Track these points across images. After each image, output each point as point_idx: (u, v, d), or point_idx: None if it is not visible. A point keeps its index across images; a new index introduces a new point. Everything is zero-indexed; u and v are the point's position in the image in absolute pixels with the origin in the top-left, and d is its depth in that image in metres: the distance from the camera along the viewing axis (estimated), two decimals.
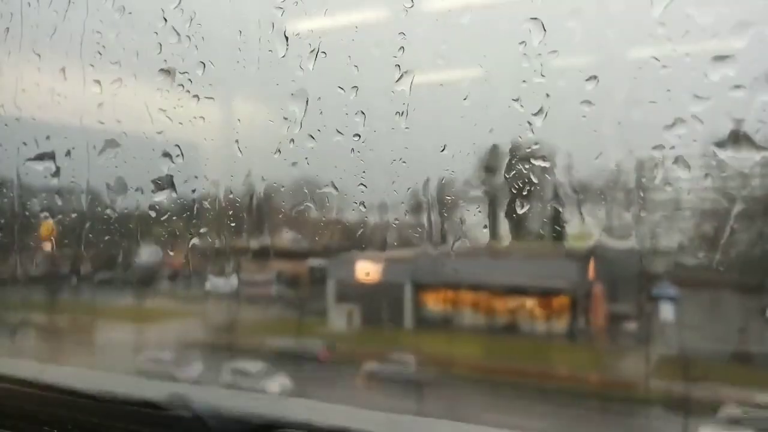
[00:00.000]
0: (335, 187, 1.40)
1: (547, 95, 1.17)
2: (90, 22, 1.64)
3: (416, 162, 1.31)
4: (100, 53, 1.61)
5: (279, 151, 1.43)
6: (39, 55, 1.74)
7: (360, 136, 1.33)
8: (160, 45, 1.51)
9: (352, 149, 1.35)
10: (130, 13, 1.57)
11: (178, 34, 1.49)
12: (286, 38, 1.36)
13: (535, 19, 1.15)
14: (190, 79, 1.49)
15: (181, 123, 1.54)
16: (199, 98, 1.51)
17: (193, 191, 1.58)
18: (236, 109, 1.50)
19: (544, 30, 1.15)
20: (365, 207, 1.40)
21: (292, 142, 1.41)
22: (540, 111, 1.18)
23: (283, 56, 1.37)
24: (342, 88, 1.33)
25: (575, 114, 1.15)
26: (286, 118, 1.40)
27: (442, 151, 1.28)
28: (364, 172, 1.35)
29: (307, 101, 1.37)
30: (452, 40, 1.23)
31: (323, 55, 1.34)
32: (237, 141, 1.50)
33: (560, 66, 1.16)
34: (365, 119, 1.32)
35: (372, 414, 1.38)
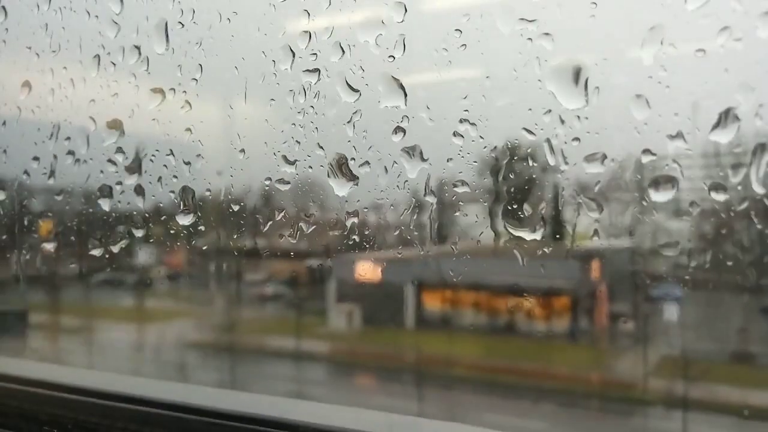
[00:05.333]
0: (335, 187, 1.40)
1: (548, 94, 1.17)
2: (89, 22, 1.64)
3: (416, 162, 1.31)
4: (99, 54, 1.61)
5: (279, 150, 1.43)
6: (38, 54, 1.75)
7: (360, 136, 1.33)
8: (158, 44, 1.51)
9: (353, 149, 1.35)
10: (129, 13, 1.57)
11: (179, 34, 1.49)
12: (289, 45, 1.36)
13: (535, 19, 1.16)
14: (190, 79, 1.49)
15: (180, 123, 1.54)
16: (198, 98, 1.51)
17: (192, 191, 1.58)
18: (235, 109, 1.50)
19: (544, 29, 1.15)
20: (365, 207, 1.39)
21: (291, 142, 1.41)
22: (540, 110, 1.18)
23: (282, 56, 1.37)
24: (341, 88, 1.33)
25: (576, 113, 1.15)
26: (286, 119, 1.41)
27: (442, 150, 1.28)
28: (364, 171, 1.35)
29: (305, 99, 1.37)
30: (452, 40, 1.23)
31: (323, 54, 1.34)
32: (236, 141, 1.50)
33: (561, 65, 1.16)
34: (365, 118, 1.32)
35: (372, 414, 1.37)
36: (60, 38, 1.70)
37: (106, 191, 1.65)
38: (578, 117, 1.15)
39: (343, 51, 1.31)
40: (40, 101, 1.75)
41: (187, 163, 1.55)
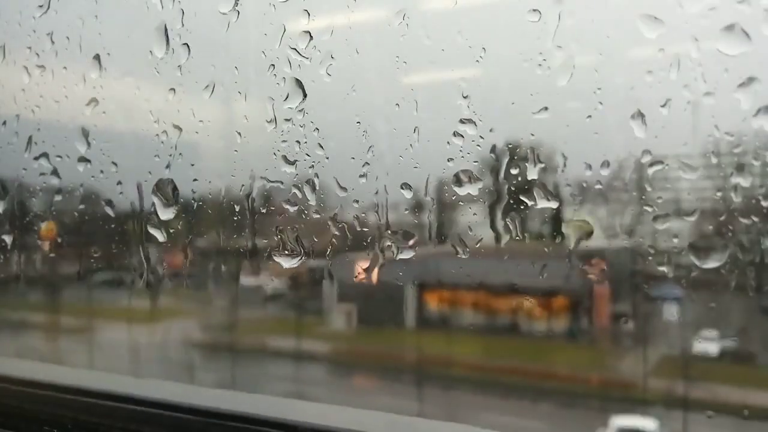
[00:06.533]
0: (335, 187, 1.40)
1: (548, 94, 1.17)
2: (89, 22, 1.64)
3: (416, 161, 1.31)
4: (98, 54, 1.61)
5: (279, 150, 1.43)
6: (38, 54, 1.74)
7: (360, 136, 1.33)
8: (159, 45, 1.51)
9: (353, 148, 1.35)
10: (129, 13, 1.57)
11: (179, 35, 1.49)
12: (289, 45, 1.37)
13: (536, 19, 1.16)
14: (189, 80, 1.49)
15: (180, 123, 1.54)
16: (197, 99, 1.51)
17: (193, 191, 1.58)
18: (235, 109, 1.50)
19: (545, 29, 1.15)
20: (365, 207, 1.39)
21: (291, 143, 1.41)
22: (540, 110, 1.18)
23: (281, 56, 1.37)
24: (341, 88, 1.33)
25: (576, 113, 1.15)
26: (287, 119, 1.41)
27: (442, 150, 1.28)
28: (364, 171, 1.35)
29: (305, 99, 1.37)
30: (452, 40, 1.23)
31: (323, 54, 1.34)
32: (236, 141, 1.50)
33: (560, 65, 1.16)
34: (364, 118, 1.32)
35: (372, 414, 1.38)
36: (60, 38, 1.70)
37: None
38: (581, 115, 1.15)
39: (344, 51, 1.31)
40: (40, 101, 1.75)
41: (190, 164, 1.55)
